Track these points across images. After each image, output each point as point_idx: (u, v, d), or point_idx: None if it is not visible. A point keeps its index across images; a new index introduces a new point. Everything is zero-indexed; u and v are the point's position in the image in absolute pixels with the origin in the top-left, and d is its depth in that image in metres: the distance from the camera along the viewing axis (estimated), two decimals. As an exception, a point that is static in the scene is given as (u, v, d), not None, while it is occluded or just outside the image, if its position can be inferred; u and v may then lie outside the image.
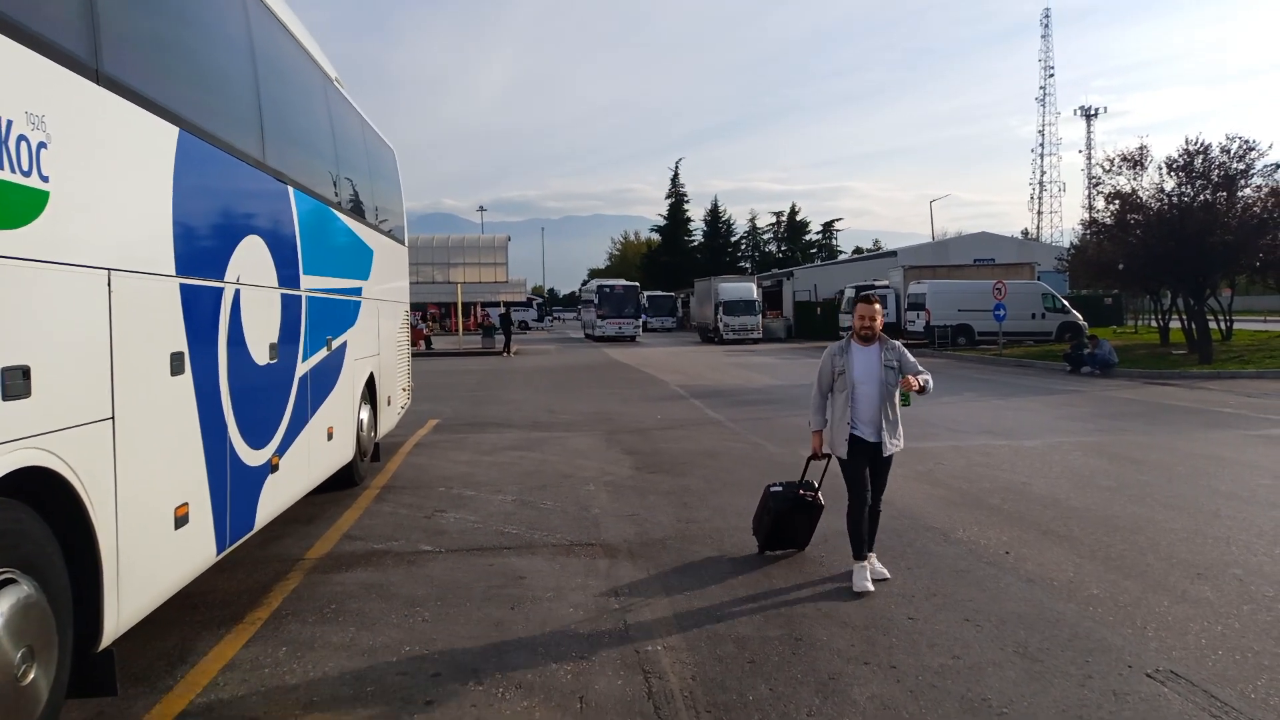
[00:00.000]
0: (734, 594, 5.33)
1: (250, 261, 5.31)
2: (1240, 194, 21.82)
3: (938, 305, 31.13)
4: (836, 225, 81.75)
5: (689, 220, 77.40)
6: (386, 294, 9.94)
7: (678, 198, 77.20)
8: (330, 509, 7.64)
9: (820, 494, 6.13)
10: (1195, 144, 21.69)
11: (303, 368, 6.44)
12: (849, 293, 38.21)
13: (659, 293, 63.65)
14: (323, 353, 7.03)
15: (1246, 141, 21.44)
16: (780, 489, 6.10)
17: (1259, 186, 22.37)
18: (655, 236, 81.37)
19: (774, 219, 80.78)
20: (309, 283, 6.68)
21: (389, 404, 9.93)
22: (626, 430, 12.38)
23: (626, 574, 5.76)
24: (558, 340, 49.74)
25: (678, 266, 71.29)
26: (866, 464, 5.59)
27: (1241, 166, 21.48)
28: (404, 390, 11.18)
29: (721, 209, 76.72)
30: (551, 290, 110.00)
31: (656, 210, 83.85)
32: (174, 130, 4.24)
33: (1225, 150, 21.48)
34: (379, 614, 5.06)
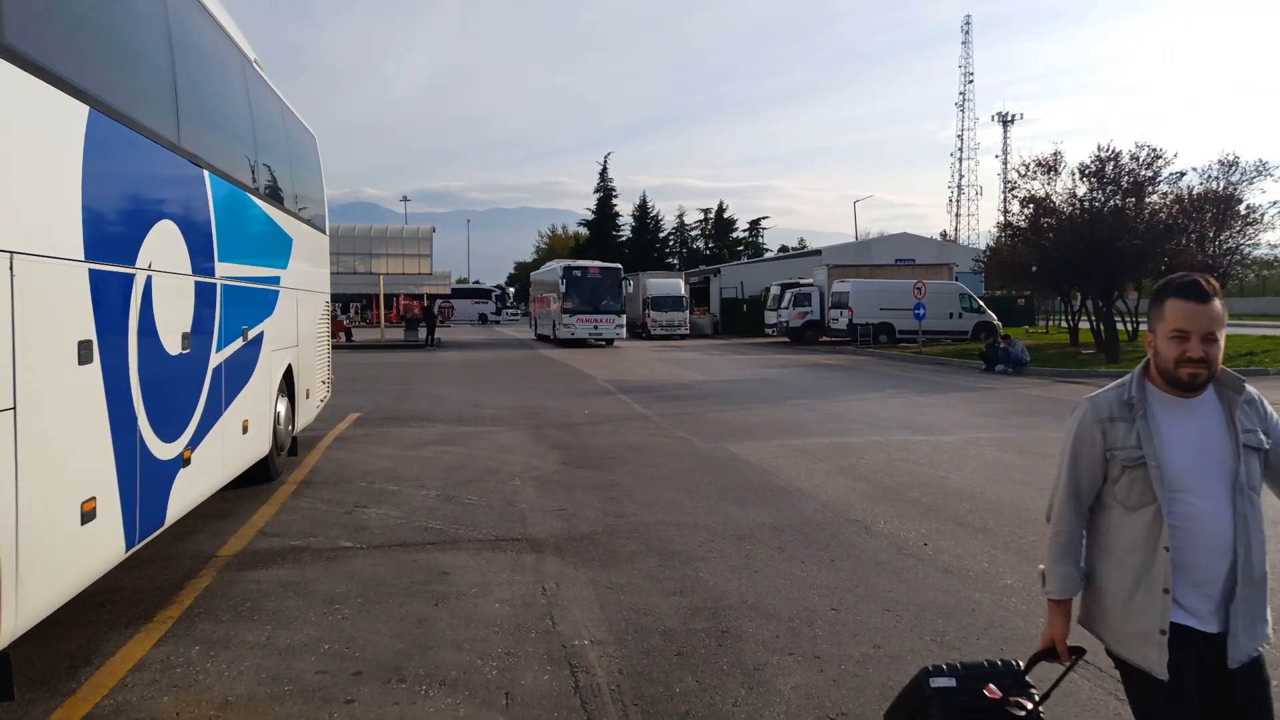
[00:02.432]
0: (661, 588, 5.34)
1: (163, 247, 5.11)
2: (1148, 200, 22.82)
3: (860, 304, 31.77)
4: (763, 224, 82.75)
5: (617, 215, 77.38)
6: (306, 283, 9.69)
7: (606, 192, 77.12)
8: (245, 504, 7.40)
9: (1041, 711, 2.89)
10: (1106, 151, 22.61)
11: (217, 358, 6.23)
12: (775, 290, 38.75)
13: None
14: (238, 343, 6.81)
15: (1154, 150, 22.46)
16: (951, 683, 2.84)
17: (1165, 194, 23.45)
18: (583, 231, 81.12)
19: (702, 216, 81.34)
20: (225, 270, 6.46)
21: (308, 397, 9.68)
22: (553, 425, 12.31)
23: (553, 569, 5.72)
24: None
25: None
26: (1197, 681, 2.43)
27: (1149, 174, 22.48)
28: (324, 383, 10.92)
29: (650, 204, 76.88)
30: (477, 283, 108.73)
31: (584, 204, 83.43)
32: (83, 109, 4.04)
33: (1134, 158, 22.45)
34: (297, 612, 4.92)
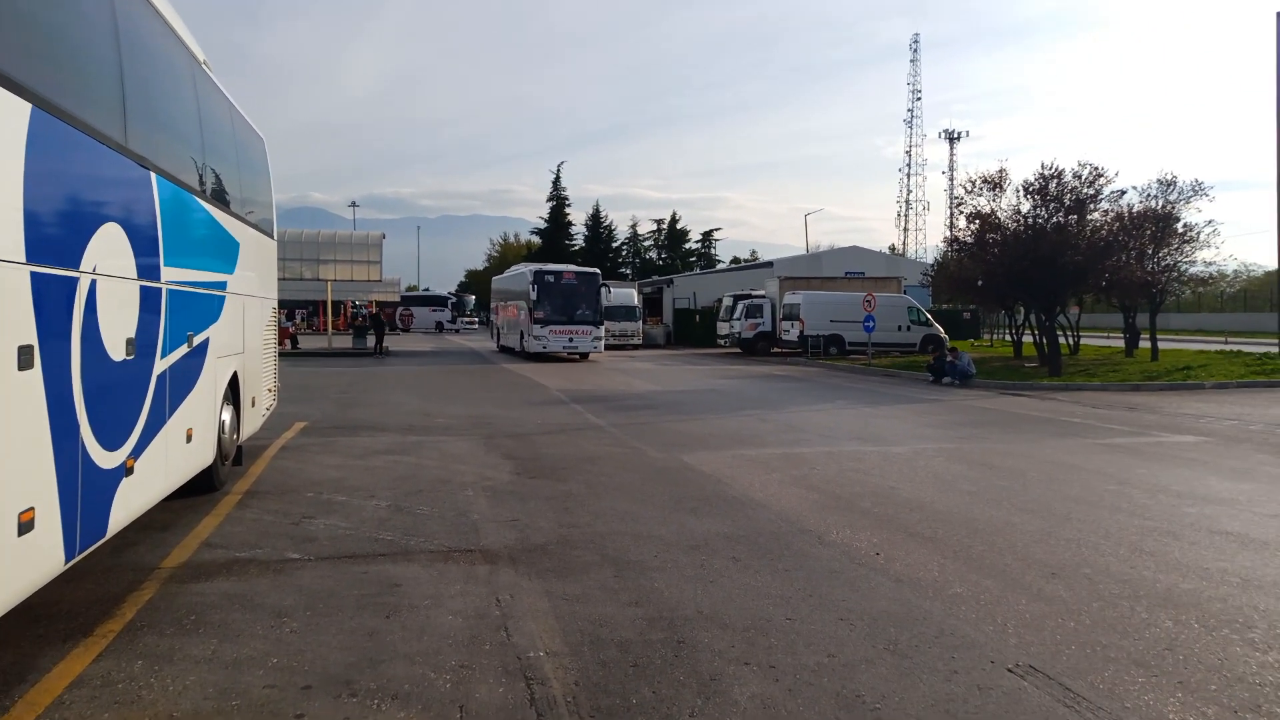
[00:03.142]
0: (617, 599, 5.32)
1: (108, 251, 4.97)
2: (1089, 218, 23.45)
3: (811, 315, 32.12)
4: (715, 235, 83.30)
5: (570, 224, 77.25)
6: (253, 289, 9.50)
7: (559, 201, 76.96)
8: (189, 515, 7.22)
9: None
10: (1050, 169, 23.18)
11: (161, 365, 6.07)
12: (727, 301, 38.99)
13: None
14: (183, 349, 6.64)
15: (1096, 168, 23.09)
16: None
17: (1106, 211, 24.12)
18: (535, 239, 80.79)
19: (655, 226, 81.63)
20: (170, 275, 6.31)
21: (253, 405, 9.48)
22: (506, 434, 12.22)
23: (508, 580, 5.67)
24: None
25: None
26: None
27: (1091, 191, 23.10)
28: (270, 391, 10.71)
29: (603, 214, 76.94)
30: (427, 290, 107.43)
31: (536, 212, 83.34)
32: (26, 107, 3.92)
33: (1077, 176, 23.05)
34: (243, 625, 4.80)
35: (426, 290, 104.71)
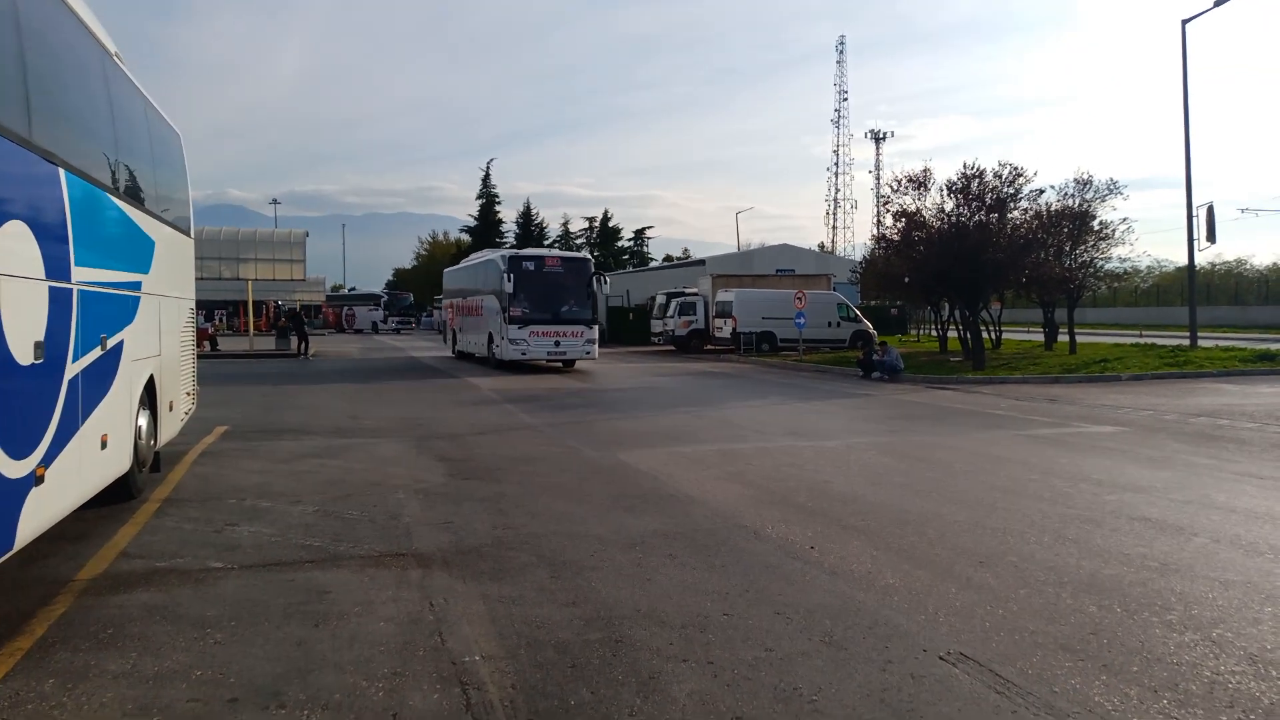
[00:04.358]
0: (554, 599, 5.26)
1: (13, 250, 4.72)
2: (1010, 216, 24.12)
3: (743, 313, 32.40)
4: (648, 233, 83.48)
5: (501, 222, 76.56)
6: (170, 289, 9.17)
7: (489, 198, 76.23)
8: (104, 525, 6.92)
9: None
10: (972, 169, 23.77)
11: (73, 369, 5.80)
12: (660, 299, 39.10)
13: None
14: (96, 352, 6.36)
15: (1015, 168, 23.76)
16: None
17: (1025, 210, 24.85)
18: (465, 237, 79.81)
19: (587, 224, 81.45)
20: (81, 275, 6.03)
21: (171, 409, 9.15)
22: (438, 436, 12.02)
23: (441, 584, 5.55)
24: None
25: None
26: None
27: (1011, 191, 23.77)
28: (188, 394, 10.35)
29: (534, 212, 76.45)
30: (353, 290, 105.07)
31: (465, 210, 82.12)
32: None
33: (998, 175, 23.69)
34: (164, 637, 4.61)
35: (353, 289, 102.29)
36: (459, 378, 22.70)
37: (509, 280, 23.43)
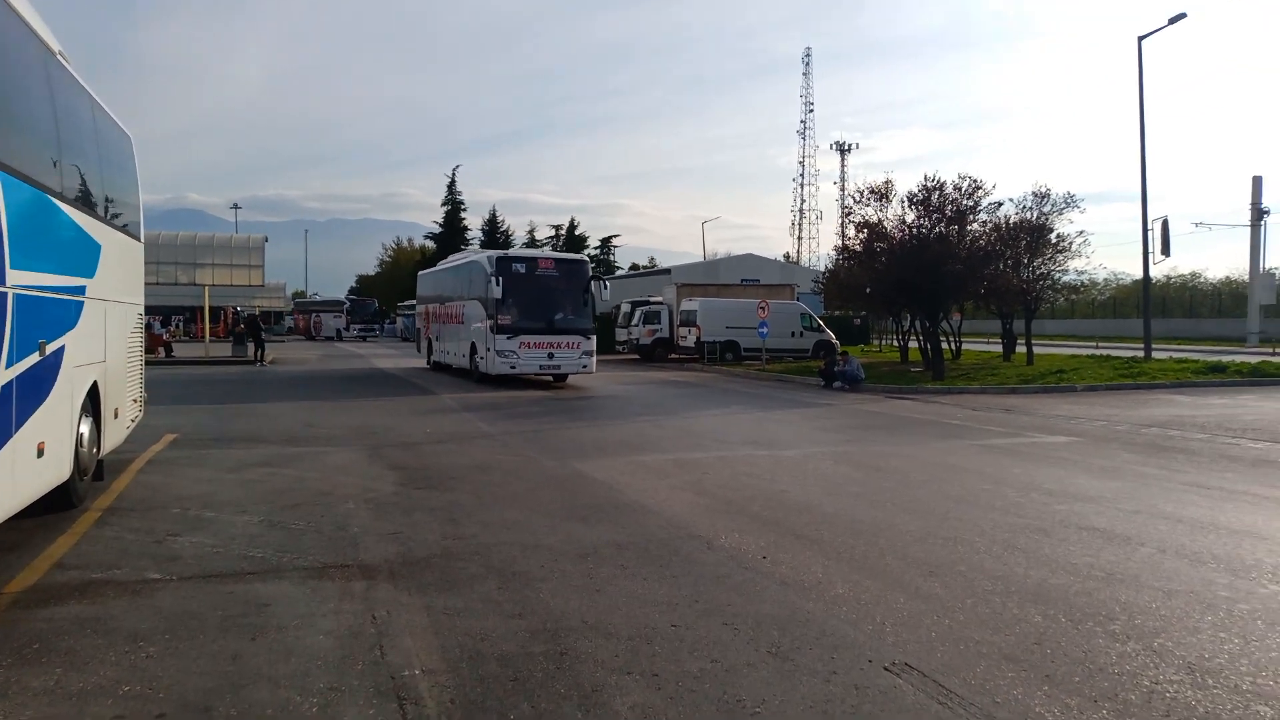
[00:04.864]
0: (500, 611, 5.18)
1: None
2: (969, 228, 24.44)
3: (708, 322, 32.48)
4: (614, 241, 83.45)
5: (466, 229, 76.08)
6: (117, 294, 8.96)
7: (454, 205, 75.77)
8: (40, 535, 6.71)
9: None
10: (932, 181, 24.06)
11: (7, 374, 5.63)
12: (625, 308, 39.09)
13: None
14: (34, 358, 6.19)
15: (975, 181, 24.09)
16: None
17: (985, 222, 25.20)
18: (430, 244, 79.20)
19: (553, 232, 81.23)
20: (19, 279, 5.87)
21: (116, 417, 8.93)
22: (392, 445, 11.87)
23: (385, 596, 5.45)
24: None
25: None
26: None
27: (971, 203, 24.09)
28: (135, 401, 10.12)
29: (500, 219, 76.02)
30: (315, 296, 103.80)
31: (431, 217, 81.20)
32: None
33: (957, 188, 24.00)
34: (93, 652, 4.46)
35: (315, 295, 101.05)
36: (421, 387, 22.29)
37: (497, 284, 20.85)
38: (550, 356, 21.54)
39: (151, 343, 27.74)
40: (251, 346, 31.68)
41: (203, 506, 7.86)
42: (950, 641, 4.76)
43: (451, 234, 74.89)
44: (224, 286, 33.97)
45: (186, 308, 53.52)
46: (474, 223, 77.52)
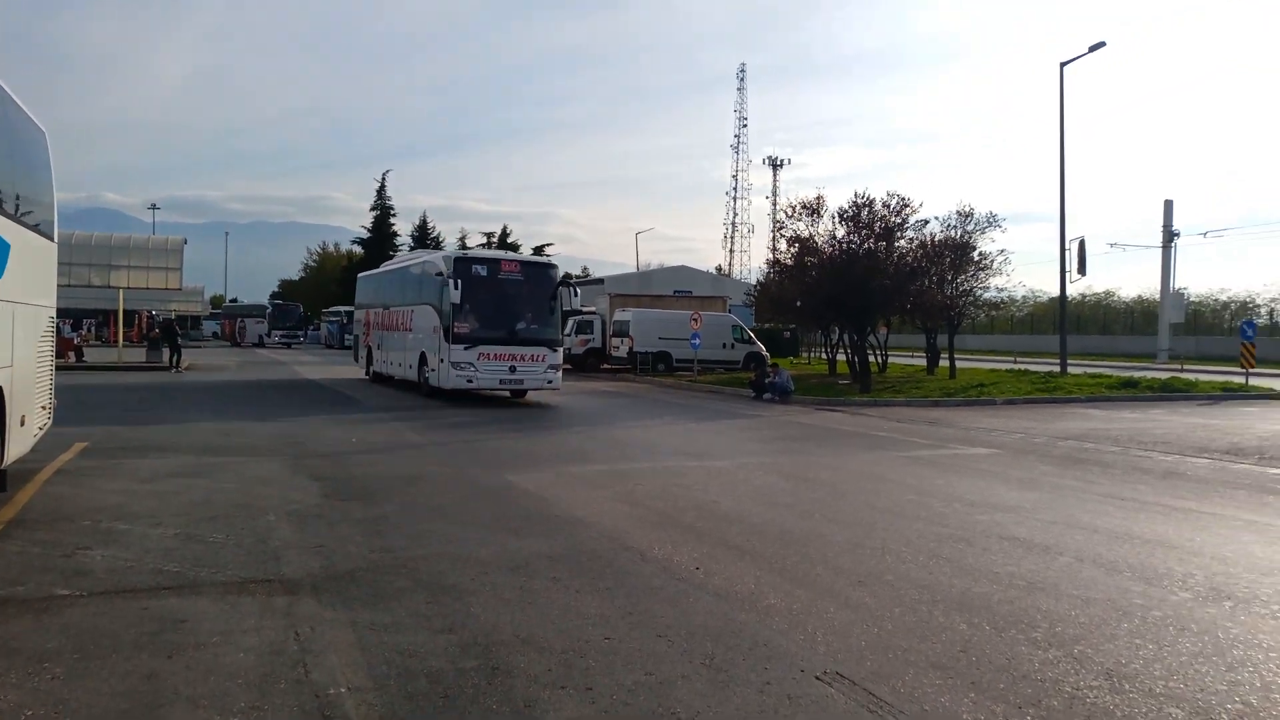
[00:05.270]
0: (430, 625, 5.07)
1: None
2: (897, 245, 25.02)
3: (640, 333, 32.56)
4: (547, 250, 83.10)
5: (395, 234, 74.88)
6: (26, 295, 8.55)
7: (383, 210, 74.57)
8: (-63, 550, 6.35)
9: None
10: (862, 198, 24.58)
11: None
12: (557, 317, 38.88)
13: None
14: (-68, 362, 5.85)
15: (903, 199, 24.70)
16: None
17: (911, 239, 25.84)
18: (357, 249, 77.76)
19: (485, 239, 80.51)
20: (-84, 277, 5.54)
21: (23, 424, 8.50)
22: (316, 455, 11.56)
23: (309, 611, 5.28)
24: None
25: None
26: None
27: (899, 220, 24.68)
28: (44, 408, 9.66)
29: (431, 225, 75.10)
30: (234, 300, 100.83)
31: (358, 221, 79.65)
32: None
33: (886, 205, 24.58)
34: (-7, 675, 4.22)
35: (234, 300, 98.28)
36: (349, 398, 21.59)
37: (454, 287, 18.67)
38: (512, 370, 19.38)
39: (62, 347, 26.61)
40: (167, 352, 30.59)
41: (115, 518, 7.52)
42: (879, 650, 4.83)
43: (380, 239, 73.71)
44: (140, 290, 32.73)
45: (100, 311, 51.44)
46: (403, 228, 76.46)
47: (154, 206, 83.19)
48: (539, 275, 20.37)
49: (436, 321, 19.90)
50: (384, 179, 75.33)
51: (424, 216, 75.42)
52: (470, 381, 19.12)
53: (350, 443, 12.82)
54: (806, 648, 4.85)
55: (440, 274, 19.89)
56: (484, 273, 19.51)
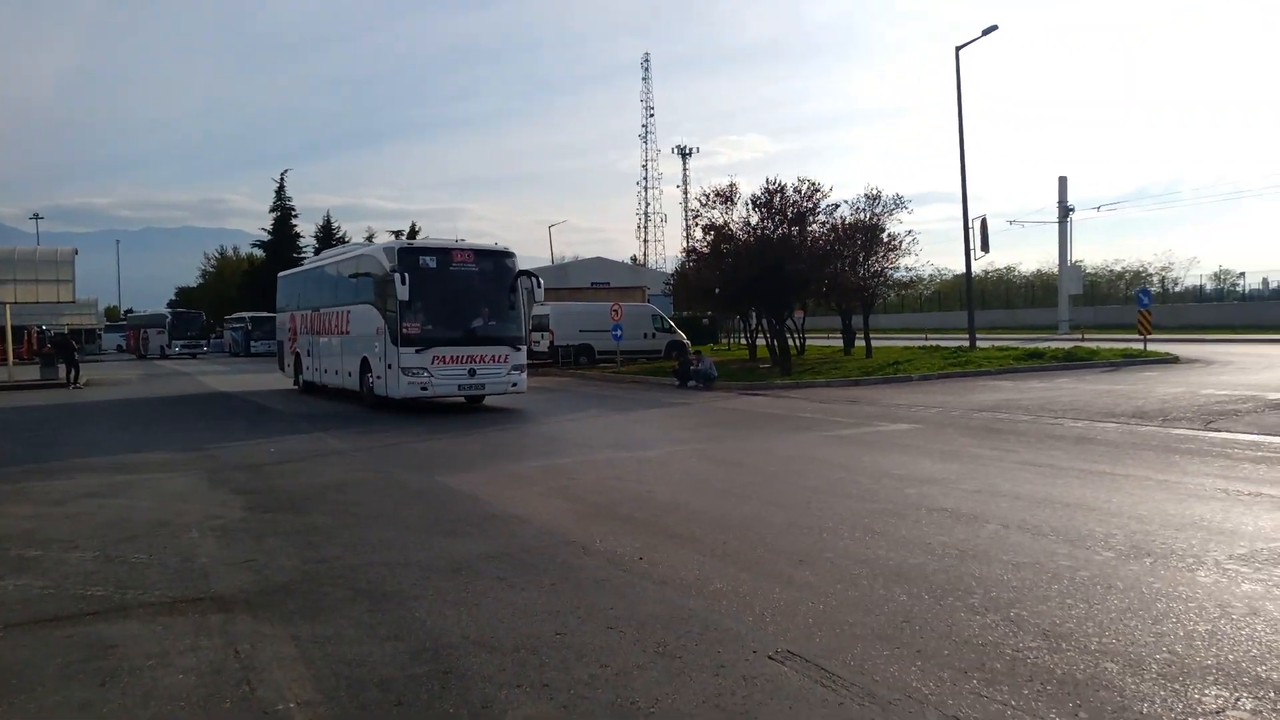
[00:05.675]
0: (374, 634, 4.95)
1: None
2: (810, 229, 25.47)
3: (561, 326, 32.43)
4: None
5: (298, 236, 72.69)
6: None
7: (284, 211, 72.34)
8: None
9: None
10: (774, 184, 24.93)
11: None
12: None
13: (266, 314, 58.82)
14: None
15: (814, 184, 25.13)
16: None
17: (824, 223, 26.34)
18: (258, 253, 75.26)
19: (393, 237, 78.91)
20: None
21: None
22: (235, 467, 11.17)
23: (246, 628, 5.11)
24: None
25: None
26: None
27: (810, 205, 25.11)
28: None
29: (335, 225, 73.16)
30: (129, 311, 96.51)
31: (258, 224, 77.11)
32: None
33: (798, 190, 24.97)
34: (-93, 719, 3.96)
35: (129, 311, 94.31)
36: (265, 407, 21.11)
37: (401, 282, 16.41)
38: (471, 374, 17.36)
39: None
40: (63, 368, 29.13)
41: (25, 545, 7.13)
42: (826, 626, 4.92)
43: (282, 241, 71.58)
44: (29, 304, 31.04)
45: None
46: (307, 229, 74.38)
47: (36, 216, 79.03)
48: (496, 265, 18.17)
49: (380, 322, 17.88)
50: (283, 179, 73.08)
51: (328, 216, 73.51)
52: (425, 389, 17.12)
53: (269, 452, 12.43)
54: (756, 629, 4.91)
55: (383, 267, 17.59)
56: (433, 264, 17.30)
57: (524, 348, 18.47)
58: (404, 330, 16.88)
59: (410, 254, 17.24)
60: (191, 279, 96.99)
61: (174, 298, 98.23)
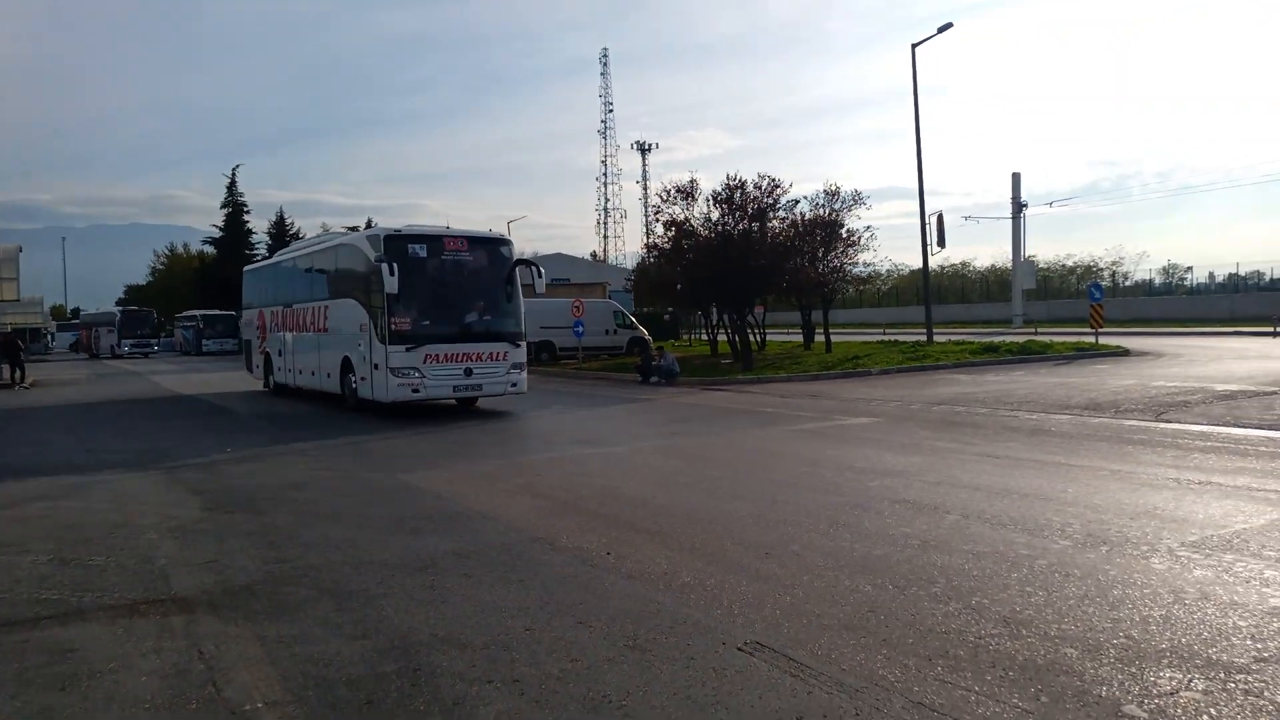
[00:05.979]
0: (341, 633, 4.91)
1: None
2: (770, 225, 25.65)
3: (524, 322, 32.27)
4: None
5: (251, 232, 71.51)
6: None
7: (237, 208, 71.13)
8: None
9: None
10: (734, 180, 25.06)
11: None
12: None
13: (217, 312, 57.71)
14: None
15: (774, 180, 25.31)
16: None
17: (784, 219, 26.55)
18: (209, 249, 73.92)
19: (347, 233, 77.95)
20: None
21: None
22: (191, 467, 10.98)
23: (210, 629, 5.03)
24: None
25: (240, 282, 63.99)
26: None
27: (770, 201, 25.31)
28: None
29: (289, 221, 72.01)
30: (77, 309, 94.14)
31: (208, 220, 75.71)
32: None
33: (758, 186, 25.14)
34: None
35: (77, 310, 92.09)
36: (223, 408, 20.76)
37: (389, 273, 14.78)
38: (468, 374, 15.84)
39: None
40: (8, 368, 28.39)
41: (-24, 549, 6.96)
42: (794, 617, 4.98)
43: (234, 238, 70.42)
44: (-26, 303, 30.20)
45: None
46: (259, 226, 73.17)
47: (-23, 212, 76.91)
48: (491, 253, 16.55)
49: (364, 318, 16.25)
50: (234, 174, 71.85)
51: (280, 212, 72.37)
52: (417, 391, 15.55)
53: (225, 451, 12.23)
54: (725, 621, 4.95)
55: (367, 257, 16.06)
56: (423, 253, 15.68)
57: (524, 344, 16.99)
58: (393, 327, 15.35)
59: (398, 242, 15.58)
60: (141, 277, 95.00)
61: (123, 296, 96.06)
